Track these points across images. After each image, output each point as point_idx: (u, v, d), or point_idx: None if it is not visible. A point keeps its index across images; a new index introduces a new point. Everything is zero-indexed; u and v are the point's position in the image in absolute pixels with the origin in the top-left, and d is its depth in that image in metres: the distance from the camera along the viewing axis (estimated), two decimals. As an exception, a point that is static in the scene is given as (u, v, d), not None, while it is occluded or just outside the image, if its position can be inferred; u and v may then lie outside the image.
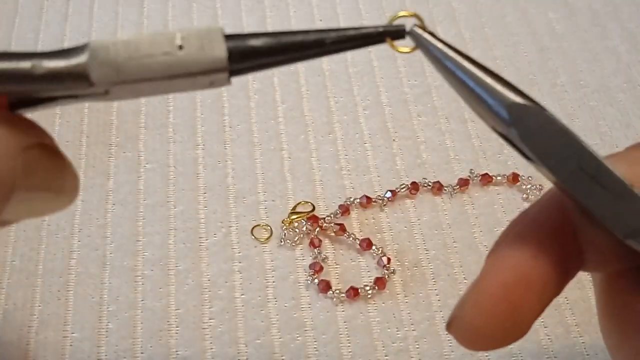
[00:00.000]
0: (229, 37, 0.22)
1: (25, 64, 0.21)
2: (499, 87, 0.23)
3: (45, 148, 0.23)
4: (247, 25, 0.53)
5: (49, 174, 0.23)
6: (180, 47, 0.21)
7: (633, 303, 0.25)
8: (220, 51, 0.21)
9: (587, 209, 0.23)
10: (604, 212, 0.23)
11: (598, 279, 0.27)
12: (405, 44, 0.24)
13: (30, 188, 0.22)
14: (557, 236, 0.24)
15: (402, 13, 0.23)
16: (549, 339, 0.38)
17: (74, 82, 0.21)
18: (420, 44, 0.23)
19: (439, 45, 0.23)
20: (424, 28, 0.23)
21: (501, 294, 0.23)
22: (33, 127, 0.23)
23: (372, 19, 0.54)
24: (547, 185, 0.45)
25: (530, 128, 0.23)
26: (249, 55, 0.22)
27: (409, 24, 0.23)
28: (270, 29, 0.53)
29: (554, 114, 0.22)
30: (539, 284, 0.23)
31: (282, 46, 0.22)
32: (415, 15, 0.23)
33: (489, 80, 0.23)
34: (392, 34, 0.23)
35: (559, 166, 0.23)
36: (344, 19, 0.54)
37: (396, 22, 0.23)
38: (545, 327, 0.39)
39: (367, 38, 0.23)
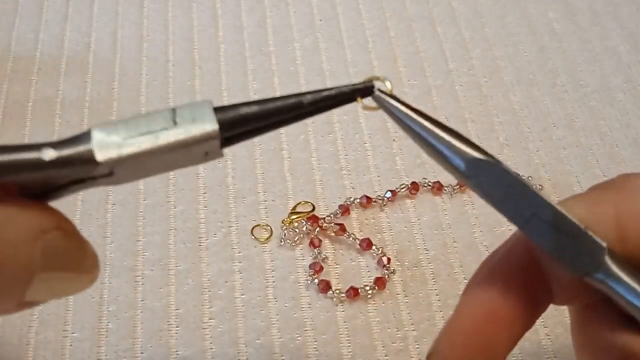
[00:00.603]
0: (217, 109, 0.24)
1: (36, 154, 0.22)
2: (456, 143, 0.25)
3: (63, 230, 0.23)
4: (247, 25, 0.53)
5: (68, 255, 0.23)
6: (175, 122, 0.23)
7: (602, 334, 0.25)
8: (211, 122, 0.23)
9: (545, 251, 0.25)
10: (561, 253, 0.25)
11: (571, 310, 0.28)
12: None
13: (50, 270, 0.23)
14: (524, 274, 0.26)
15: (375, 77, 0.26)
16: (549, 339, 0.38)
17: (81, 165, 0.23)
18: (383, 106, 0.25)
19: (401, 107, 0.25)
20: (386, 92, 0.25)
21: (473, 330, 0.25)
22: (50, 211, 0.23)
23: (372, 19, 0.54)
24: (547, 185, 0.45)
25: (485, 180, 0.25)
26: (237, 123, 0.24)
27: (386, 82, 0.26)
28: (270, 29, 0.53)
29: (508, 167, 0.25)
30: (508, 319, 0.25)
31: (265, 112, 0.24)
32: (382, 79, 0.26)
33: (447, 137, 0.25)
34: (362, 91, 0.26)
35: (515, 214, 0.25)
36: (344, 19, 0.54)
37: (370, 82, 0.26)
38: (545, 327, 0.39)
39: (339, 97, 0.25)
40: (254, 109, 0.24)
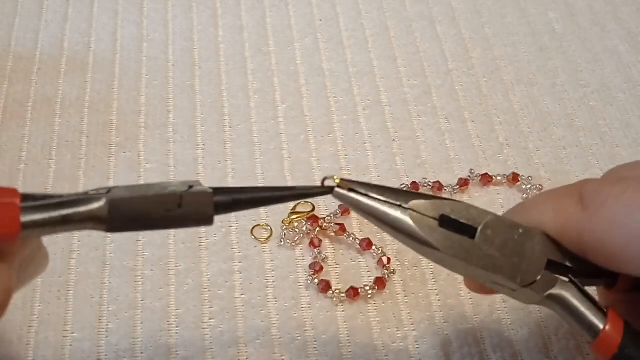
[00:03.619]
0: (216, 191, 0.28)
1: (56, 214, 0.27)
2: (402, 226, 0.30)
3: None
4: (247, 25, 0.53)
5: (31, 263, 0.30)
6: (179, 205, 0.28)
7: None
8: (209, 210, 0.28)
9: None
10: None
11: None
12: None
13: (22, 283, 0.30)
14: None
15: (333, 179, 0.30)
16: (549, 339, 0.38)
17: (93, 224, 0.27)
18: (344, 200, 0.30)
19: (358, 198, 0.30)
20: (342, 187, 0.30)
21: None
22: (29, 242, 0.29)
23: (372, 19, 0.54)
24: (546, 185, 0.45)
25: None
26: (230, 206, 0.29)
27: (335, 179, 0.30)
28: (270, 29, 0.53)
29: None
30: None
31: (254, 200, 0.29)
32: (334, 178, 0.30)
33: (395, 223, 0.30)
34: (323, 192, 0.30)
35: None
36: (344, 19, 0.54)
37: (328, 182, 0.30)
38: (545, 327, 0.39)
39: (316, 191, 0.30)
40: (245, 196, 0.29)
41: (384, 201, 0.30)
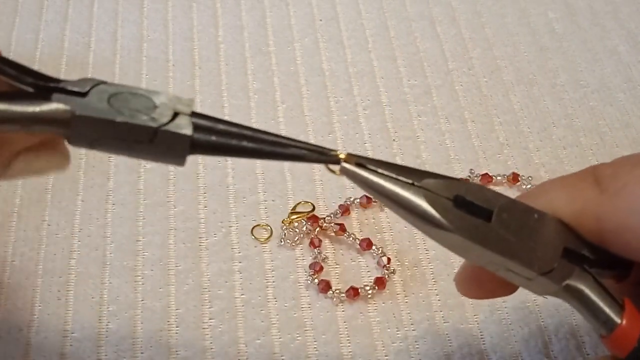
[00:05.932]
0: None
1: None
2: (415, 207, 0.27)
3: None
4: (247, 25, 0.53)
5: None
6: (151, 141, 0.25)
7: None
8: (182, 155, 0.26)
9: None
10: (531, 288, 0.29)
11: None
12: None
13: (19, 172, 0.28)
14: None
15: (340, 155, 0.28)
16: (549, 339, 0.38)
17: (54, 126, 0.26)
18: (351, 176, 0.28)
19: (366, 175, 0.28)
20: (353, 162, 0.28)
21: (463, 277, 0.32)
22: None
23: (372, 19, 0.54)
24: (547, 185, 0.45)
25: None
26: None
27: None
28: (270, 29, 0.53)
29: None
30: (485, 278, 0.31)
31: (237, 149, 0.27)
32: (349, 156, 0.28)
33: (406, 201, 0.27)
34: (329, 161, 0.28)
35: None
36: (344, 19, 0.54)
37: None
38: (545, 328, 0.39)
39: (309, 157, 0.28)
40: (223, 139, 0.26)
41: (395, 179, 0.27)
